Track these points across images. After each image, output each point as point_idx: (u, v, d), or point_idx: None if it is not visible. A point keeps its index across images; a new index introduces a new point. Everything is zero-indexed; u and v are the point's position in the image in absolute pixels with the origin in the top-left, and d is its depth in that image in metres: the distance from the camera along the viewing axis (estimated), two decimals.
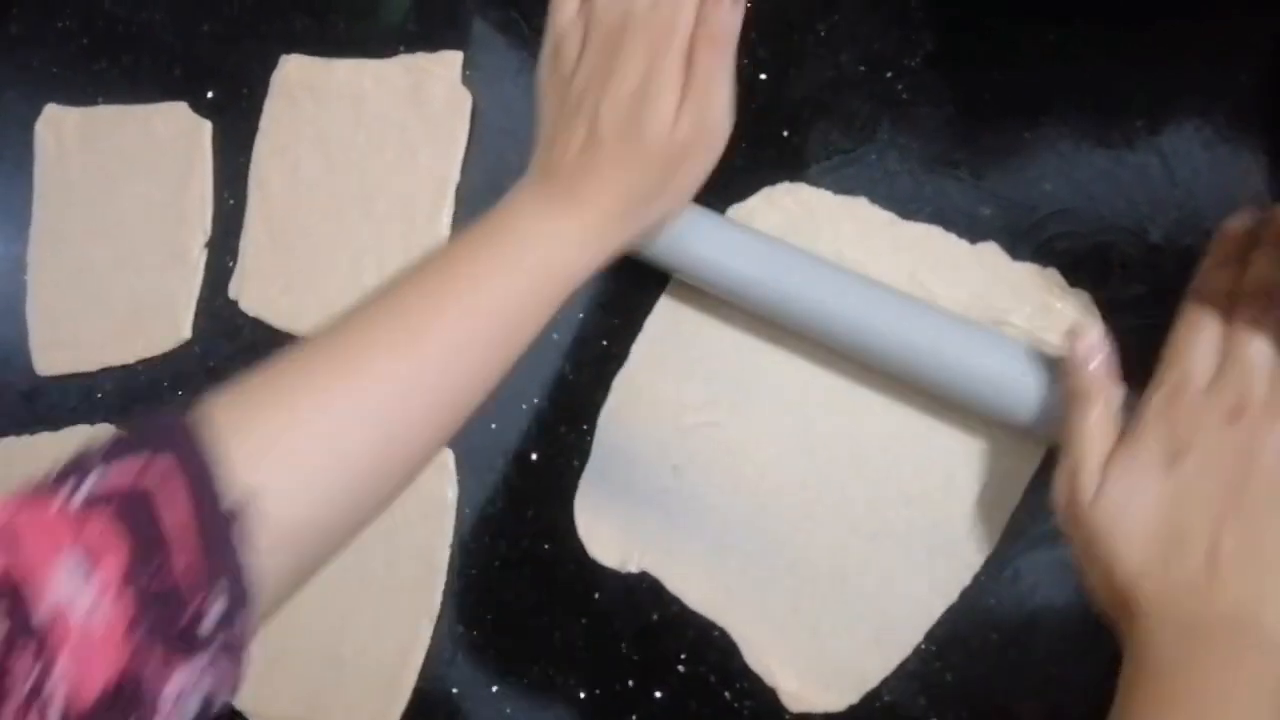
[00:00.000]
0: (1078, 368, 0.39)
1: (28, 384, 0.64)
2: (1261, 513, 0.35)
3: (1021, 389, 0.41)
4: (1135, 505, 0.37)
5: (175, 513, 0.32)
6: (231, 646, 0.33)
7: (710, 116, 0.44)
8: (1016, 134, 0.48)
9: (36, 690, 0.28)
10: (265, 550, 0.34)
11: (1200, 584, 0.35)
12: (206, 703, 0.32)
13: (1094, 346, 0.39)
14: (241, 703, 0.57)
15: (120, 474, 0.32)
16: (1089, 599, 0.38)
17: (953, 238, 0.47)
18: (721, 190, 0.51)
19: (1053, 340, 0.45)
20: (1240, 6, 0.45)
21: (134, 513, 0.31)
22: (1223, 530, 0.35)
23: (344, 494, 0.38)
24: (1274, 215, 0.39)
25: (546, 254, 0.43)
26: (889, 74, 0.50)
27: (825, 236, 0.49)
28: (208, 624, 0.32)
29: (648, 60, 0.43)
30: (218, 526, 0.33)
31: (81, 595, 0.29)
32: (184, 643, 0.31)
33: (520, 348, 0.42)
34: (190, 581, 0.31)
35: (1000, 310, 0.46)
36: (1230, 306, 0.38)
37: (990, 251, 0.47)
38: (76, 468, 0.32)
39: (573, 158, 0.43)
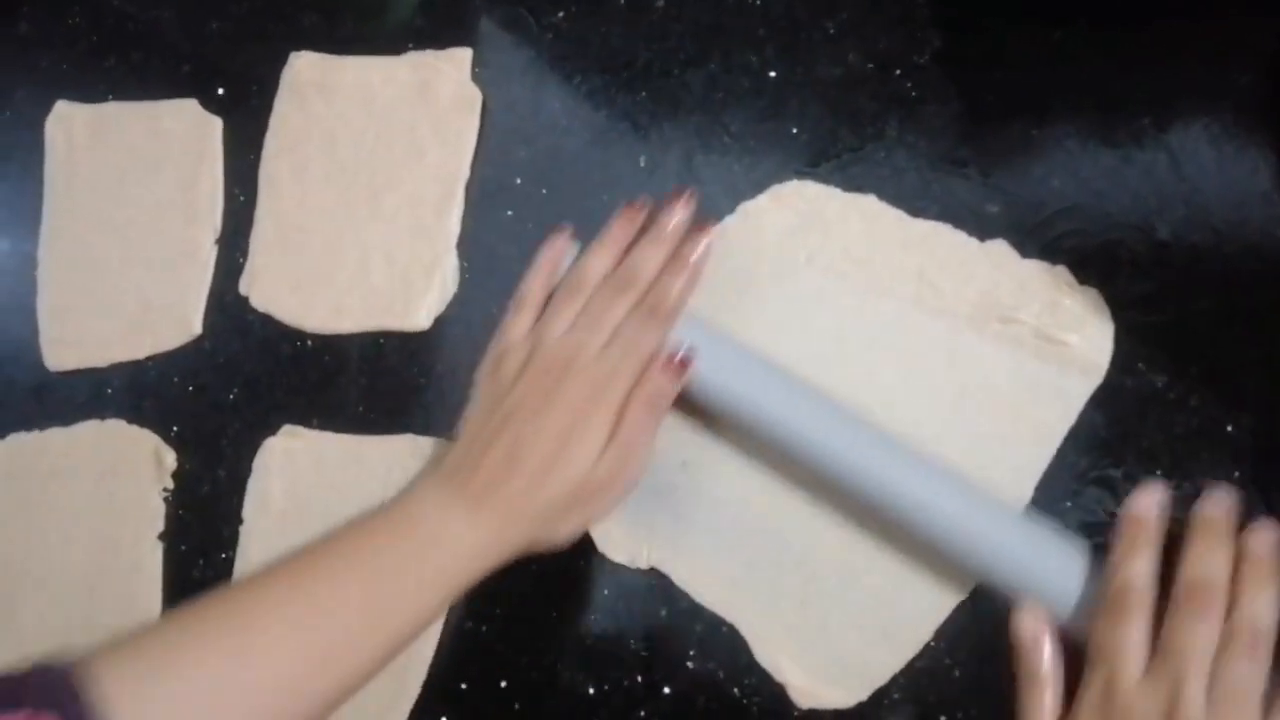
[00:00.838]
0: (1029, 653, 0.41)
1: (38, 380, 0.64)
2: None
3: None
4: None
5: None
6: None
7: (630, 465, 0.46)
8: (1024, 132, 0.48)
9: None
10: None
11: None
12: None
13: (1041, 631, 0.41)
14: None
15: None
16: None
17: (961, 235, 0.47)
18: (730, 188, 0.51)
19: (1061, 337, 0.45)
20: (1248, 6, 0.46)
21: None
22: None
23: None
24: (1200, 515, 0.40)
25: (447, 554, 0.44)
26: (897, 72, 0.50)
27: (834, 234, 0.49)
28: None
29: (582, 404, 0.45)
30: None
31: None
32: None
33: (408, 637, 0.44)
34: None
35: (1009, 307, 0.46)
36: (1155, 598, 0.38)
37: (999, 249, 0.47)
38: None
39: (490, 467, 0.45)
